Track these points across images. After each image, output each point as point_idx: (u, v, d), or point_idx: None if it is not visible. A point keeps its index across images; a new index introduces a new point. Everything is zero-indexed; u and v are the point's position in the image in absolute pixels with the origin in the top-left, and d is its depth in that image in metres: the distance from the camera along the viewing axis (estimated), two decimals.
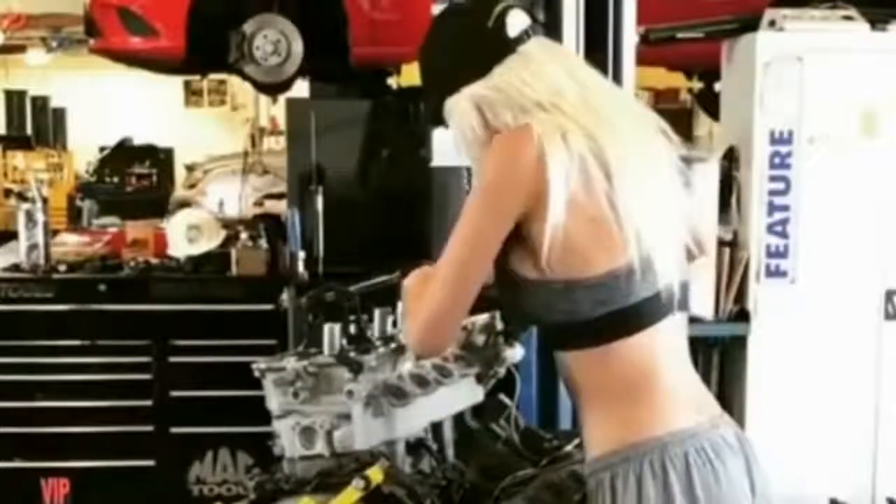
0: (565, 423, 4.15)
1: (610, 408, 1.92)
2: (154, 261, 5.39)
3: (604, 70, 4.13)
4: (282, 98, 6.44)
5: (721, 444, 1.91)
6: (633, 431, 1.89)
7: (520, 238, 1.91)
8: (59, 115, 14.94)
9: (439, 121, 2.06)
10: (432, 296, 1.94)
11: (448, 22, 2.08)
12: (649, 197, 1.90)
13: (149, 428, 5.13)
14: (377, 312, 2.43)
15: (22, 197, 5.94)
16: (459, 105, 1.97)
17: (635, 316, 1.90)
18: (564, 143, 1.85)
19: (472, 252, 1.91)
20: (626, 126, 1.93)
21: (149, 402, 5.12)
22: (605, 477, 1.90)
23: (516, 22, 1.95)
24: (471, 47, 1.96)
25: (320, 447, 2.21)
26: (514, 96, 1.92)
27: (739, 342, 4.20)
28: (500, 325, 2.52)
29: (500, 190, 1.89)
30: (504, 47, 1.94)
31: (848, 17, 4.22)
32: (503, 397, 2.57)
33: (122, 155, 12.79)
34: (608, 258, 1.87)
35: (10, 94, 15.11)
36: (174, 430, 5.14)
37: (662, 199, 1.93)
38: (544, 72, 1.93)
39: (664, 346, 1.94)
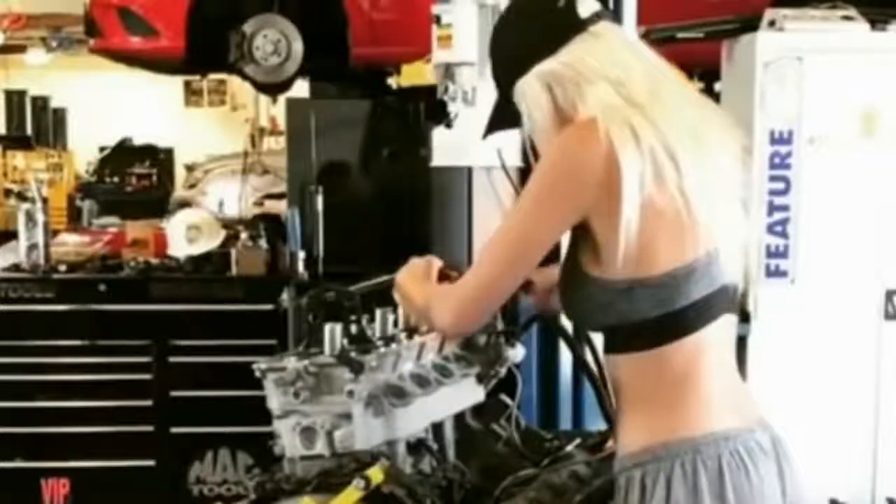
0: (565, 423, 4.16)
1: (648, 407, 1.91)
2: (154, 261, 5.39)
3: None
4: (282, 98, 6.45)
5: (755, 449, 1.90)
6: (667, 431, 1.88)
7: (585, 234, 1.88)
8: (59, 115, 14.93)
9: (505, 119, 2.04)
10: (472, 275, 1.94)
11: (519, 5, 2.05)
12: (716, 188, 1.87)
13: (149, 428, 5.13)
14: (378, 312, 2.43)
15: (22, 197, 5.95)
16: (528, 84, 1.94)
17: (689, 317, 1.88)
18: (634, 137, 1.82)
19: (521, 242, 1.89)
20: (691, 115, 1.90)
21: (149, 402, 5.12)
22: (636, 474, 1.88)
23: (587, 3, 1.94)
24: (541, 27, 1.95)
25: (321, 447, 2.21)
26: (581, 70, 1.89)
27: (739, 342, 4.19)
28: (500, 326, 2.52)
29: (563, 185, 1.86)
30: (574, 27, 1.92)
31: (848, 17, 4.21)
32: (504, 397, 2.57)
33: (122, 155, 12.78)
34: (673, 255, 1.85)
35: (10, 94, 15.09)
36: (174, 430, 5.14)
37: (728, 192, 1.91)
38: (613, 50, 1.92)
39: (711, 348, 1.92)
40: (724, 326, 1.95)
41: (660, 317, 1.86)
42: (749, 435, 1.91)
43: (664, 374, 1.89)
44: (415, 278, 2.18)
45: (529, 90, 1.94)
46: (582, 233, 1.88)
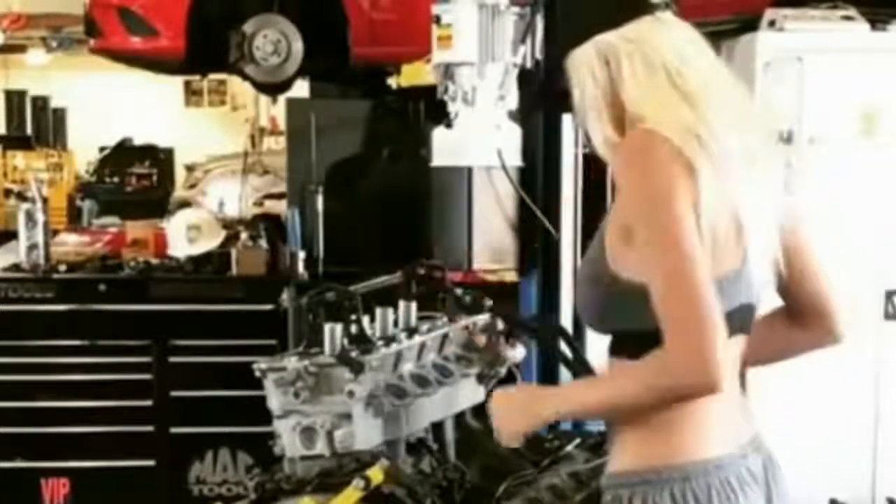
0: (565, 423, 4.15)
1: (644, 426, 1.84)
2: (154, 261, 5.39)
3: None
4: (282, 98, 6.44)
5: (745, 476, 1.86)
6: (659, 455, 1.83)
7: (626, 237, 1.82)
8: (59, 115, 14.91)
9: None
10: (678, 323, 1.73)
11: None
12: (756, 200, 1.82)
13: (149, 428, 5.12)
14: (378, 312, 2.43)
15: (22, 197, 5.94)
16: (585, 53, 1.88)
17: None
18: (702, 148, 1.77)
19: (685, 260, 1.74)
20: (743, 124, 1.85)
21: (149, 402, 5.11)
22: (624, 495, 1.84)
23: None
24: (609, 3, 1.90)
25: (321, 447, 2.21)
26: (643, 48, 1.84)
27: None
28: (500, 326, 2.52)
29: (669, 187, 1.76)
30: (643, 7, 1.87)
31: (848, 17, 4.22)
32: None
33: (122, 155, 12.76)
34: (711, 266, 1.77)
35: (10, 94, 15.09)
36: (174, 430, 5.14)
37: (766, 205, 1.85)
38: (676, 39, 1.87)
39: None
40: (735, 345, 1.88)
41: None
42: (741, 462, 1.86)
43: None
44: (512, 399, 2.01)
45: (585, 60, 1.88)
46: (624, 234, 1.82)
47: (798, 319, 2.05)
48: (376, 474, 2.12)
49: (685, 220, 1.74)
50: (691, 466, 1.82)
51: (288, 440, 2.23)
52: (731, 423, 1.89)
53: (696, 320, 1.71)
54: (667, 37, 1.87)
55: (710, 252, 1.77)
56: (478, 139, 4.22)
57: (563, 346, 2.67)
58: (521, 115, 4.29)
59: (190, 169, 11.78)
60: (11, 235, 5.95)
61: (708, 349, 1.70)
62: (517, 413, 1.93)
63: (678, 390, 1.75)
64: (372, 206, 5.30)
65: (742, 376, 1.98)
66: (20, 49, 14.49)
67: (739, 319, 1.87)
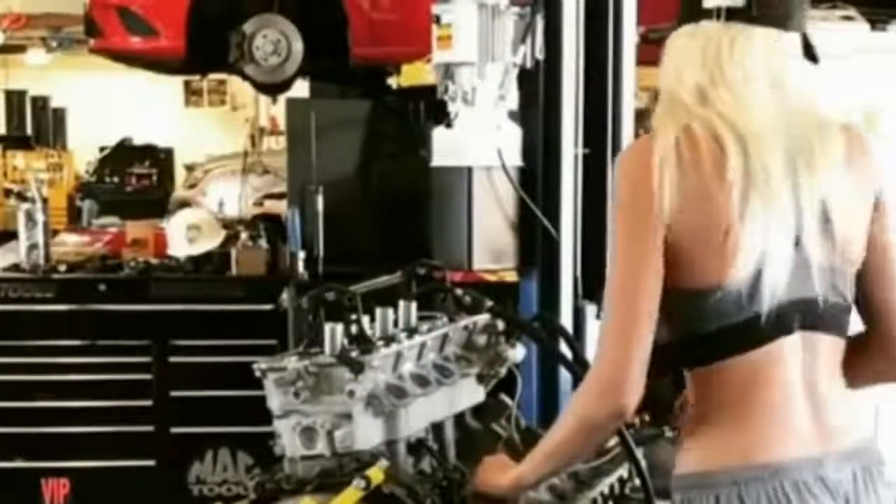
0: None
1: (705, 427, 1.83)
2: (154, 261, 5.40)
3: (604, 70, 4.16)
4: (282, 98, 6.45)
5: (810, 483, 1.79)
6: (715, 458, 1.80)
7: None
8: (59, 115, 14.91)
9: None
10: (601, 347, 1.80)
11: None
12: (777, 209, 1.79)
13: (149, 428, 5.13)
14: (378, 312, 2.42)
15: (22, 197, 5.95)
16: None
17: (742, 335, 1.79)
18: (694, 153, 1.78)
19: (628, 282, 1.78)
20: (777, 134, 1.86)
21: (149, 402, 5.12)
22: (677, 498, 1.83)
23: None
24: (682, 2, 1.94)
25: (321, 447, 2.21)
26: (667, 63, 1.90)
27: None
28: (501, 326, 2.52)
29: (635, 209, 1.79)
30: (692, 13, 1.89)
31: (848, 18, 4.22)
32: (504, 397, 2.57)
33: (122, 155, 12.77)
34: (719, 270, 1.77)
35: (10, 94, 15.09)
36: (174, 430, 5.15)
37: (810, 204, 1.82)
38: (690, 54, 1.88)
39: (775, 369, 1.81)
40: (796, 348, 1.82)
41: (715, 332, 1.79)
42: (808, 468, 1.80)
43: (710, 395, 1.82)
44: (498, 467, 2.10)
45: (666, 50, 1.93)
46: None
47: (862, 342, 2.00)
48: (376, 474, 2.12)
49: (637, 234, 1.77)
50: (741, 471, 1.78)
51: (288, 440, 2.23)
52: (805, 428, 1.83)
53: (608, 351, 1.78)
54: (681, 53, 1.88)
55: (694, 256, 1.77)
56: (478, 139, 4.22)
57: (563, 346, 2.67)
58: (521, 115, 4.29)
59: (190, 169, 11.79)
60: (11, 235, 5.96)
61: (613, 379, 1.76)
62: (494, 474, 2.07)
63: (592, 420, 1.81)
64: (372, 206, 5.31)
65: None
66: (20, 49, 14.50)
67: (785, 320, 1.81)
